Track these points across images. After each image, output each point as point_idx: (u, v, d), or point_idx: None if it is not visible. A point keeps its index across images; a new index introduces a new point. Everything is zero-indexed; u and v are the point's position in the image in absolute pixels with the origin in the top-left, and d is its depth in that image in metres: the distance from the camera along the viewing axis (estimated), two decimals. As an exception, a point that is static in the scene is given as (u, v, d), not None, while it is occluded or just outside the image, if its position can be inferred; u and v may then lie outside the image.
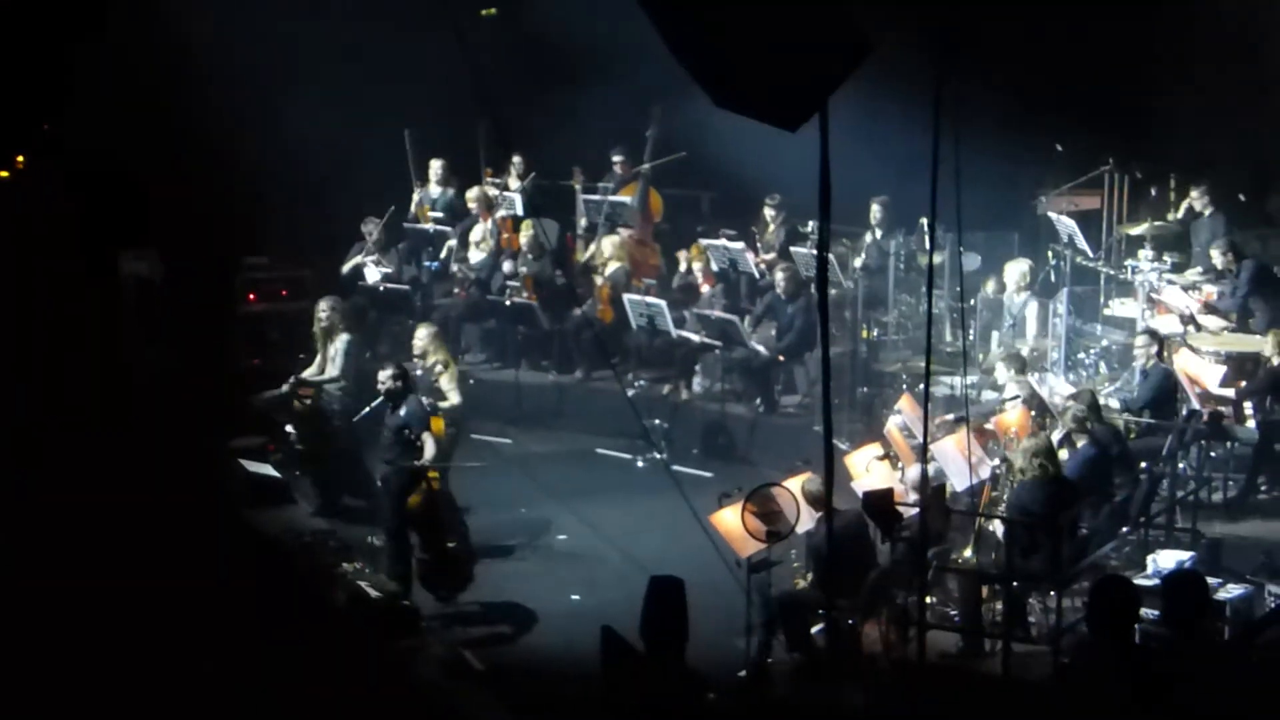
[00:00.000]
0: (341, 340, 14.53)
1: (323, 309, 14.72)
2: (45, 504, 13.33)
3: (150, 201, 17.96)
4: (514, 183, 18.70)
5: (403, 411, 12.75)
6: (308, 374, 14.67)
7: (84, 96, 18.51)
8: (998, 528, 11.72)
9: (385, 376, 12.92)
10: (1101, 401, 13.57)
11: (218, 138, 17.74)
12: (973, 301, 16.19)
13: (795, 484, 11.09)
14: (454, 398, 13.81)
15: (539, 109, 18.38)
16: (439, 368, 13.87)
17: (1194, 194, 17.23)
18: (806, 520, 11.02)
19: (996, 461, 12.30)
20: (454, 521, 12.56)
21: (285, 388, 14.49)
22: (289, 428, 14.65)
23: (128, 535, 12.75)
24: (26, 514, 13.15)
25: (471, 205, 18.54)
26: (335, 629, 12.08)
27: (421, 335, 14.36)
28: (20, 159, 20.06)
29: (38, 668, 10.82)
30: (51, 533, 12.87)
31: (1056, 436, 12.52)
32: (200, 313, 17.88)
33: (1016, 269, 16.19)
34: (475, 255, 17.99)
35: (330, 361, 14.57)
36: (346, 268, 18.01)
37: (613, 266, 17.62)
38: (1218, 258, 15.85)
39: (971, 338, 15.80)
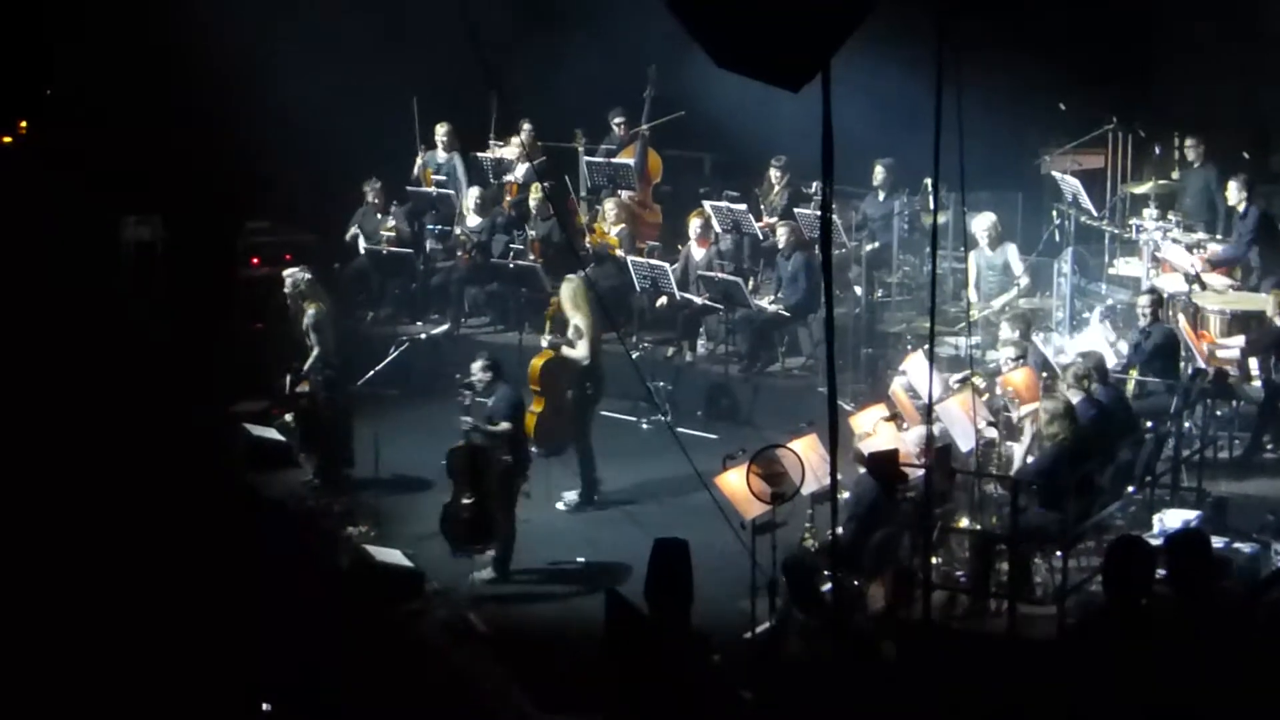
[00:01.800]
0: (309, 316, 14.26)
1: (287, 283, 14.52)
2: (48, 469, 13.36)
3: (152, 166, 17.90)
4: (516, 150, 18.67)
5: (490, 401, 12.82)
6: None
7: (85, 61, 18.46)
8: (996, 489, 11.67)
9: (477, 369, 12.95)
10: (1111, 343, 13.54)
11: (221, 101, 17.69)
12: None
13: (800, 445, 11.07)
14: (580, 351, 13.91)
15: (539, 70, 18.28)
16: (572, 330, 13.91)
17: (1188, 143, 17.13)
18: (812, 483, 10.99)
19: (983, 425, 12.20)
20: (479, 481, 12.48)
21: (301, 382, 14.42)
22: (288, 417, 14.70)
23: (132, 501, 12.78)
24: (30, 479, 13.17)
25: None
26: (339, 592, 12.10)
27: (564, 291, 14.23)
28: (22, 124, 20.02)
29: (43, 631, 10.87)
30: (55, 499, 12.89)
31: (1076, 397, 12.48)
32: (202, 277, 17.86)
33: (983, 223, 15.79)
34: (473, 220, 17.94)
35: (305, 336, 14.37)
36: (349, 235, 18.05)
37: (617, 229, 17.57)
38: (1234, 191, 15.73)
39: (976, 298, 15.71)
